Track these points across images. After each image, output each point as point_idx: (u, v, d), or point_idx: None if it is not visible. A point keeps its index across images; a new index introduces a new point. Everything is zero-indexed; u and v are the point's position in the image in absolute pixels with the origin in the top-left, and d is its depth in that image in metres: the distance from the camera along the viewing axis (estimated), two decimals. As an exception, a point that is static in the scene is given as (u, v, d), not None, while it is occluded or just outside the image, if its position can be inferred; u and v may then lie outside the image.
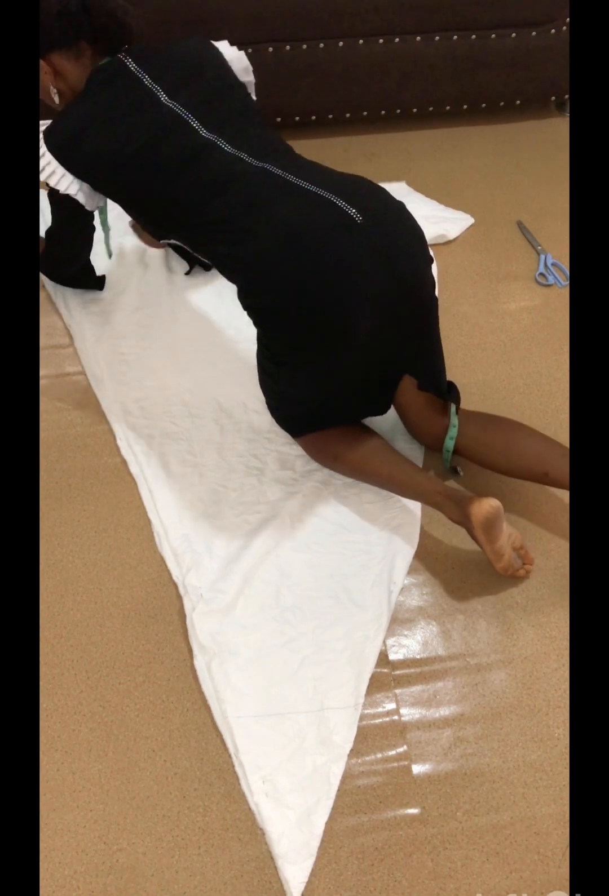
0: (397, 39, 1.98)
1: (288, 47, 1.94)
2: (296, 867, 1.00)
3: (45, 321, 1.68)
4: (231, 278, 1.26)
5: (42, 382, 1.57)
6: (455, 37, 2.00)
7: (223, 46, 1.35)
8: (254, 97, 1.41)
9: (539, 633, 1.23)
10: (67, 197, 1.29)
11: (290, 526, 1.33)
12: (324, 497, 1.37)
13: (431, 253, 1.22)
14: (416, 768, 1.10)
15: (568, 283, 1.80)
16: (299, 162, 1.24)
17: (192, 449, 1.44)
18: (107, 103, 1.24)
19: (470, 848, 1.04)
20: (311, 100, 2.08)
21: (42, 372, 1.59)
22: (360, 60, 2.00)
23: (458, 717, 1.15)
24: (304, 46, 1.95)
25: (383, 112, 2.15)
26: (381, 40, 1.97)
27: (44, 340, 1.64)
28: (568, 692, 1.17)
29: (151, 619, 1.24)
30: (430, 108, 2.17)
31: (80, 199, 1.29)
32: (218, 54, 1.33)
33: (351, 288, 1.12)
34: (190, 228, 1.25)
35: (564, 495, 1.37)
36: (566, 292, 1.79)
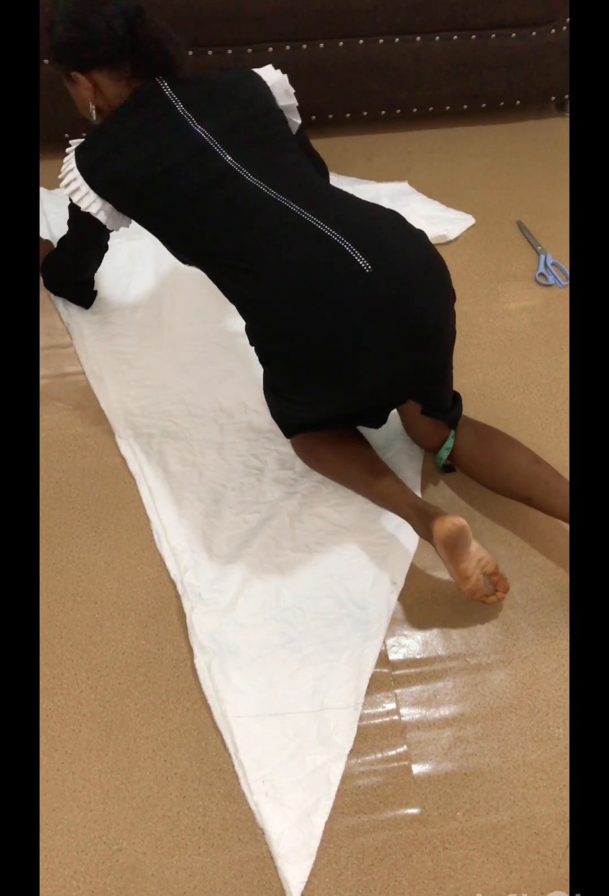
0: (397, 39, 1.98)
1: (288, 47, 1.94)
2: (296, 867, 1.00)
3: (45, 321, 1.68)
4: (241, 314, 1.24)
5: (42, 382, 1.57)
6: (455, 37, 2.00)
7: (266, 71, 1.36)
8: (298, 120, 1.42)
9: (539, 633, 1.23)
10: (88, 215, 1.29)
11: (290, 526, 1.33)
12: (324, 497, 1.37)
13: (453, 287, 1.20)
14: (416, 768, 1.10)
15: (568, 283, 1.80)
16: (320, 195, 1.20)
17: (192, 448, 1.44)
18: (137, 125, 1.24)
19: (470, 848, 1.04)
20: (310, 100, 2.06)
21: (42, 372, 1.59)
22: (360, 60, 2.00)
23: (458, 717, 1.15)
24: (304, 46, 1.95)
25: (383, 112, 2.15)
26: (381, 40, 1.97)
27: (44, 340, 1.64)
28: (568, 692, 1.17)
29: (151, 619, 1.24)
30: (430, 108, 2.17)
31: (102, 217, 1.30)
32: (258, 81, 1.33)
33: (355, 341, 1.10)
34: (206, 259, 1.25)
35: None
36: (566, 292, 1.79)
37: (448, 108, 2.18)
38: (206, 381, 1.55)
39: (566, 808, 1.07)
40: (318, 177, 1.28)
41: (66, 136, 2.02)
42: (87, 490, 1.41)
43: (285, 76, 1.37)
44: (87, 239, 1.44)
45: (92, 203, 1.27)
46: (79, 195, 1.27)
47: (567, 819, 1.06)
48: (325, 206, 1.17)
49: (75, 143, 1.29)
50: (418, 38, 1.99)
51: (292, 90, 1.39)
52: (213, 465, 1.42)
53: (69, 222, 1.41)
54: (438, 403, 1.29)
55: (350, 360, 1.12)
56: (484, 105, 2.19)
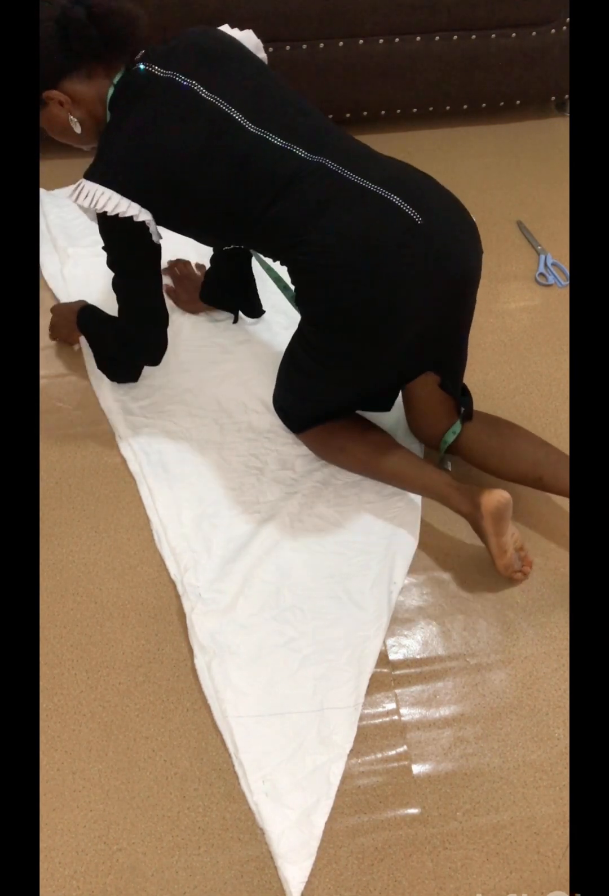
0: (397, 39, 1.98)
1: (288, 47, 1.94)
2: (296, 867, 1.00)
3: (45, 321, 1.68)
4: (294, 281, 1.22)
5: (42, 382, 1.57)
6: (455, 37, 2.00)
7: (226, 29, 1.28)
8: None
9: (539, 633, 1.23)
10: (131, 222, 1.13)
11: (290, 526, 1.33)
12: (324, 497, 1.37)
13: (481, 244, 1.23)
14: (416, 768, 1.10)
15: (568, 283, 1.80)
16: (353, 151, 1.19)
17: (192, 448, 1.44)
18: (148, 118, 1.14)
19: (470, 848, 1.04)
20: (310, 100, 2.07)
21: (42, 372, 1.59)
22: (360, 60, 2.00)
23: (458, 717, 1.15)
24: (304, 46, 1.95)
25: (383, 112, 2.15)
26: (381, 40, 1.97)
27: (44, 340, 1.64)
28: (568, 692, 1.17)
29: (151, 619, 1.24)
30: (430, 108, 2.17)
31: (145, 218, 1.14)
32: (231, 37, 1.25)
33: (410, 296, 1.13)
34: (253, 234, 1.21)
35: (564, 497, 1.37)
36: (566, 292, 1.79)
37: (448, 108, 2.18)
38: (206, 381, 1.55)
39: (566, 808, 1.07)
40: (342, 130, 1.23)
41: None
42: (87, 490, 1.41)
43: (250, 31, 1.30)
44: (143, 258, 1.24)
45: (129, 206, 1.12)
46: (112, 203, 1.11)
47: (567, 819, 1.06)
48: (363, 162, 1.16)
49: (81, 181, 1.15)
50: (418, 38, 1.99)
51: (261, 44, 1.32)
52: (213, 465, 1.42)
53: (111, 263, 1.25)
54: (454, 380, 1.30)
55: (403, 316, 1.14)
56: (484, 105, 2.19)
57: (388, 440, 1.34)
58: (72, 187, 1.16)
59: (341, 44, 1.96)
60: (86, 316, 1.51)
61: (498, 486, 1.19)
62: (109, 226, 1.17)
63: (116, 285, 1.31)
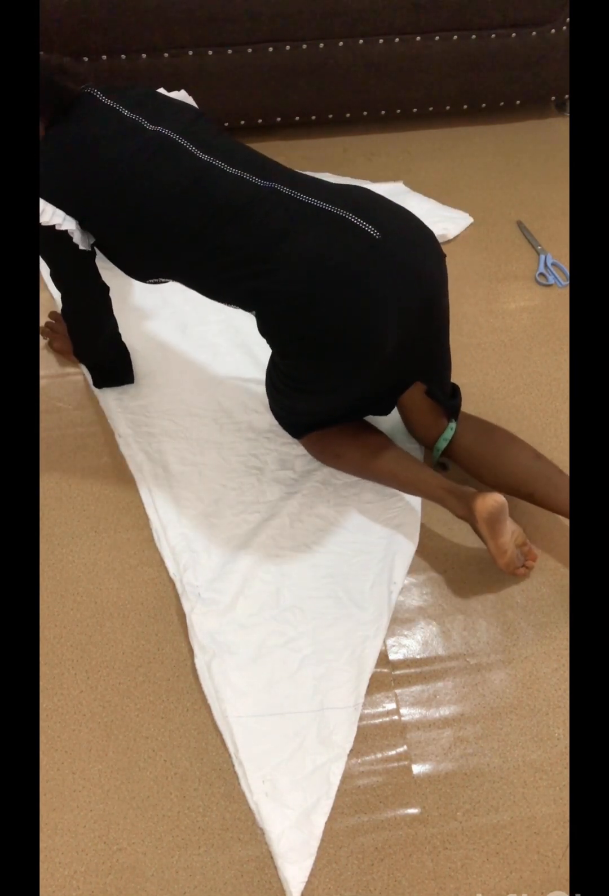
0: (397, 39, 1.98)
1: (288, 47, 1.94)
2: (295, 867, 1.00)
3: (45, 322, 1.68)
4: (255, 311, 1.18)
5: (42, 382, 1.57)
6: (455, 37, 2.00)
7: (162, 91, 1.33)
8: None
9: (539, 633, 1.23)
10: (54, 230, 1.17)
11: (290, 526, 1.33)
12: (324, 497, 1.37)
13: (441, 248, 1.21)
14: (416, 768, 1.10)
15: (568, 283, 1.80)
16: (297, 175, 1.19)
17: (192, 448, 1.44)
18: (84, 132, 1.17)
19: (470, 848, 1.04)
20: (311, 100, 2.08)
21: (42, 372, 1.59)
22: (359, 60, 2.00)
23: (458, 717, 1.15)
24: (304, 46, 1.95)
25: (383, 112, 2.15)
26: (381, 40, 1.97)
27: (44, 340, 1.64)
28: (568, 692, 1.17)
29: (151, 619, 1.24)
30: (430, 108, 2.17)
31: (69, 227, 1.18)
32: (165, 95, 1.31)
33: (381, 313, 1.10)
34: (200, 259, 1.17)
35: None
36: (566, 292, 1.79)
37: (448, 108, 2.18)
38: (206, 381, 1.55)
39: (566, 808, 1.07)
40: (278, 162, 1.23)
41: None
42: (87, 490, 1.41)
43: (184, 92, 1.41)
44: (72, 267, 1.28)
45: (53, 214, 1.16)
46: (46, 216, 1.15)
47: (567, 819, 1.06)
48: (310, 186, 1.15)
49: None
50: (418, 38, 1.99)
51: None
52: (212, 465, 1.42)
53: (53, 278, 1.31)
54: (441, 385, 1.30)
55: (376, 333, 1.12)
56: (484, 105, 2.19)
57: (384, 443, 1.34)
58: None
59: (341, 44, 1.96)
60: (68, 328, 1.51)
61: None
62: (47, 242, 1.20)
63: (63, 310, 1.39)
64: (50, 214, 1.16)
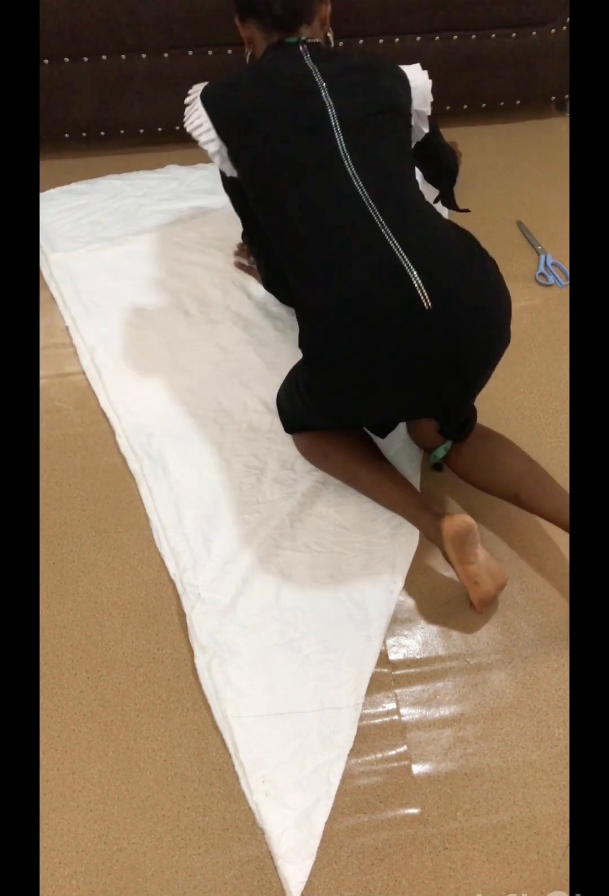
0: (397, 39, 1.98)
1: (288, 47, 1.94)
2: (295, 867, 1.00)
3: (45, 321, 1.68)
4: (297, 310, 1.23)
5: (42, 382, 1.57)
6: (455, 37, 2.00)
7: (414, 71, 1.31)
8: (426, 129, 1.38)
9: (539, 633, 1.23)
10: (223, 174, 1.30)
11: (290, 526, 1.33)
12: (324, 497, 1.37)
13: (509, 332, 1.18)
14: (416, 768, 1.10)
15: (568, 283, 1.80)
16: (408, 214, 1.13)
17: (192, 448, 1.44)
18: (268, 71, 1.26)
19: (470, 848, 1.04)
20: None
21: (42, 372, 1.59)
22: (360, 60, 2.00)
23: (458, 717, 1.15)
24: (304, 46, 1.94)
25: (383, 112, 2.15)
26: (381, 40, 1.97)
27: (44, 340, 1.64)
28: (568, 692, 1.17)
29: (151, 619, 1.24)
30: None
31: (214, 156, 1.28)
32: (400, 78, 1.29)
33: (403, 370, 1.09)
34: (280, 238, 1.22)
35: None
36: (566, 292, 1.79)
37: (448, 108, 2.18)
38: (206, 381, 1.55)
39: (566, 808, 1.07)
40: (418, 193, 1.20)
41: (66, 136, 2.03)
42: (87, 490, 1.41)
43: (430, 82, 1.32)
44: (230, 189, 1.38)
45: (211, 140, 1.26)
46: (201, 130, 1.26)
47: (567, 819, 1.06)
48: (407, 228, 1.10)
49: (199, 86, 1.29)
50: (418, 38, 1.98)
51: (431, 99, 1.34)
52: (213, 465, 1.42)
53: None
54: (452, 427, 1.29)
55: (395, 384, 1.11)
56: (484, 105, 2.19)
57: (371, 451, 1.32)
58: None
59: (341, 44, 1.96)
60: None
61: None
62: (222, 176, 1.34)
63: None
64: (204, 130, 1.27)
